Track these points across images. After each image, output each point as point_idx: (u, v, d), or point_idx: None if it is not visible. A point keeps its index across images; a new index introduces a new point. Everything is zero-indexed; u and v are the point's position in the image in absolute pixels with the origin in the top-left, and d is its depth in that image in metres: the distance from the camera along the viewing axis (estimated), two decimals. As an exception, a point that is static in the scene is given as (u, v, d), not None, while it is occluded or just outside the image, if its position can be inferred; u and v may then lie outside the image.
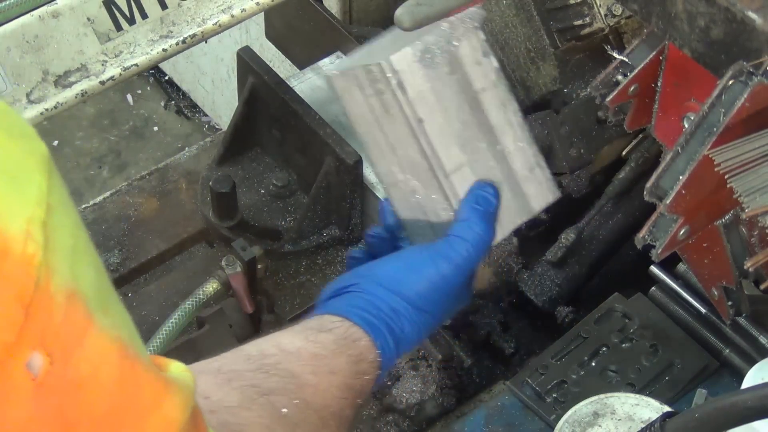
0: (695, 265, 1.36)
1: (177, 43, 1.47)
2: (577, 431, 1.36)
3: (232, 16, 1.50)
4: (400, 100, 1.17)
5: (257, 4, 1.52)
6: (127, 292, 1.82)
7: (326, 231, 1.79)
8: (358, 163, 1.68)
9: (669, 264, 1.56)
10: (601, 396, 1.39)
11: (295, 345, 1.11)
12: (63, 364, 0.66)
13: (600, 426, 1.36)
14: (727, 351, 1.58)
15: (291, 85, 1.81)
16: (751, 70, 1.11)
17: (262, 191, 1.85)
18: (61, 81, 1.41)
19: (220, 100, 3.29)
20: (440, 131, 1.18)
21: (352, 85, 1.19)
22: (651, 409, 1.38)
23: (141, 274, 1.86)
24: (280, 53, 2.09)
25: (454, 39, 1.19)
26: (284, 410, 1.03)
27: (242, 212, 1.77)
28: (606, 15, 1.71)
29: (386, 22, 1.45)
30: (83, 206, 1.91)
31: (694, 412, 1.09)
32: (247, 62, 1.83)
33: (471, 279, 1.23)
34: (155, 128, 3.53)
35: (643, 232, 1.20)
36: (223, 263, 1.65)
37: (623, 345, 1.59)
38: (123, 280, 1.83)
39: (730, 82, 1.12)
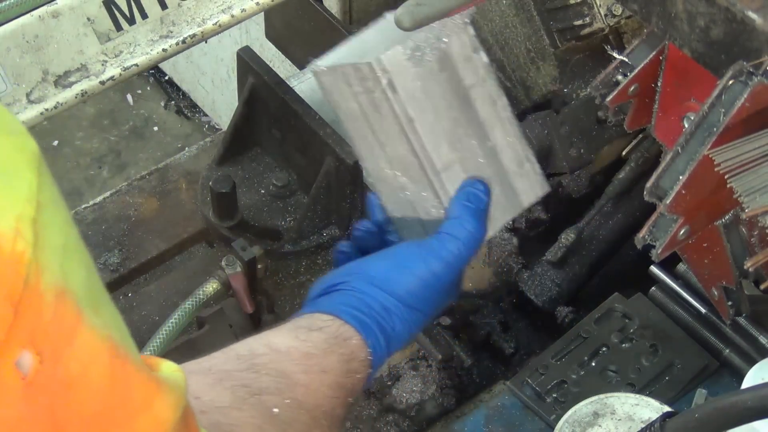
0: (695, 265, 1.36)
1: (177, 43, 1.47)
2: (577, 431, 1.36)
3: (232, 16, 1.50)
4: (391, 99, 1.16)
5: (257, 4, 1.52)
6: (127, 292, 1.82)
7: (326, 231, 1.79)
8: (358, 163, 1.68)
9: (669, 264, 1.56)
10: (601, 396, 1.39)
11: (285, 344, 1.10)
12: (53, 363, 0.65)
13: (600, 426, 1.36)
14: (727, 351, 1.58)
15: (291, 85, 1.81)
16: (751, 70, 1.11)
17: (262, 191, 1.85)
18: (61, 81, 1.41)
19: (220, 100, 3.29)
20: (431, 129, 1.18)
21: (339, 81, 1.19)
22: (651, 409, 1.38)
23: (141, 274, 1.86)
24: (280, 53, 2.09)
25: (443, 35, 1.19)
26: (275, 410, 1.02)
27: (242, 212, 1.77)
28: (606, 15, 1.71)
29: (386, 22, 1.45)
30: (83, 206, 1.91)
31: (694, 412, 1.09)
32: (247, 62, 1.83)
33: (462, 276, 1.22)
34: (155, 128, 3.53)
35: (643, 232, 1.20)
36: (223, 263, 1.65)
37: (623, 345, 1.59)
38: (123, 280, 1.83)
39: (730, 82, 1.12)
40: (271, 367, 1.07)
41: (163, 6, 1.46)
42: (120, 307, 1.77)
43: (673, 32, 1.20)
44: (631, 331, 1.60)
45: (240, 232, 1.75)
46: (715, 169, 1.12)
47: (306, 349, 1.10)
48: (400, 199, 1.22)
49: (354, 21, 2.16)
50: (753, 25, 1.11)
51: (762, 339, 1.56)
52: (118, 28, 1.44)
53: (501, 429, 1.53)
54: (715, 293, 1.43)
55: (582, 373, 1.56)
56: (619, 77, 1.29)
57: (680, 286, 1.62)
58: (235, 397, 1.01)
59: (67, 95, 1.41)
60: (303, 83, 1.87)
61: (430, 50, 1.18)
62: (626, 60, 1.29)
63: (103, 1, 1.42)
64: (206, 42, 1.56)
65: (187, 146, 2.15)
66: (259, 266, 1.66)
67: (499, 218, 1.23)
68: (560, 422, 1.38)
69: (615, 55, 1.31)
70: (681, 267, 1.62)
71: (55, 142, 3.46)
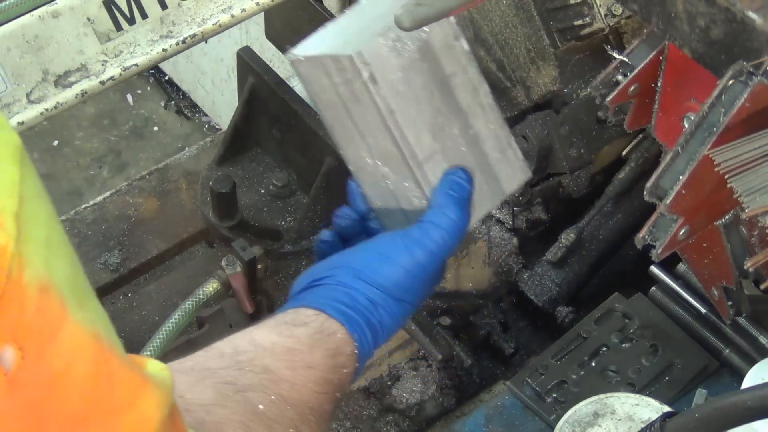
0: (695, 265, 1.36)
1: (177, 43, 1.47)
2: (577, 431, 1.36)
3: (232, 16, 1.50)
4: (372, 92, 1.15)
5: (257, 4, 1.52)
6: (127, 292, 1.82)
7: (326, 231, 1.79)
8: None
9: (669, 264, 1.56)
10: (601, 396, 1.39)
11: (269, 340, 1.09)
12: (36, 359, 0.65)
13: (600, 426, 1.36)
14: (727, 351, 1.58)
15: (291, 85, 1.81)
16: (751, 70, 1.11)
17: (262, 191, 1.85)
18: (61, 81, 1.41)
19: (220, 100, 3.29)
20: (412, 120, 1.17)
21: (318, 71, 1.18)
22: (651, 409, 1.38)
23: (141, 274, 1.86)
24: (280, 53, 2.09)
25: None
26: (261, 407, 1.01)
27: (242, 212, 1.77)
28: (606, 15, 1.71)
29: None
30: (83, 206, 1.91)
31: (694, 412, 1.09)
32: (247, 62, 1.83)
33: (445, 264, 1.21)
34: (155, 128, 3.53)
35: (643, 232, 1.20)
36: (223, 263, 1.65)
37: (623, 345, 1.59)
38: (123, 280, 1.83)
39: (730, 82, 1.12)
40: (255, 364, 1.05)
41: (163, 6, 1.46)
42: (120, 307, 1.79)
43: (673, 32, 1.20)
44: (631, 331, 1.60)
45: (240, 232, 1.75)
46: (715, 169, 1.12)
47: (290, 344, 1.09)
48: (381, 189, 1.21)
49: (354, 21, 2.15)
50: (753, 25, 1.11)
51: (762, 339, 1.56)
52: (118, 28, 1.44)
53: (501, 429, 1.53)
54: (715, 293, 1.43)
55: (582, 373, 1.56)
56: (619, 77, 1.29)
57: (680, 286, 1.62)
58: (219, 395, 1.00)
59: (67, 95, 1.41)
60: (303, 83, 1.87)
61: (410, 40, 1.17)
62: (626, 60, 1.29)
63: (103, 1, 1.42)
64: (206, 42, 1.56)
65: (187, 146, 2.15)
66: (259, 266, 1.66)
67: (482, 206, 1.22)
68: (560, 422, 1.38)
69: (615, 55, 1.31)
70: (681, 267, 1.62)
71: (55, 142, 3.46)
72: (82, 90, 1.42)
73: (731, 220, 1.28)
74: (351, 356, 1.12)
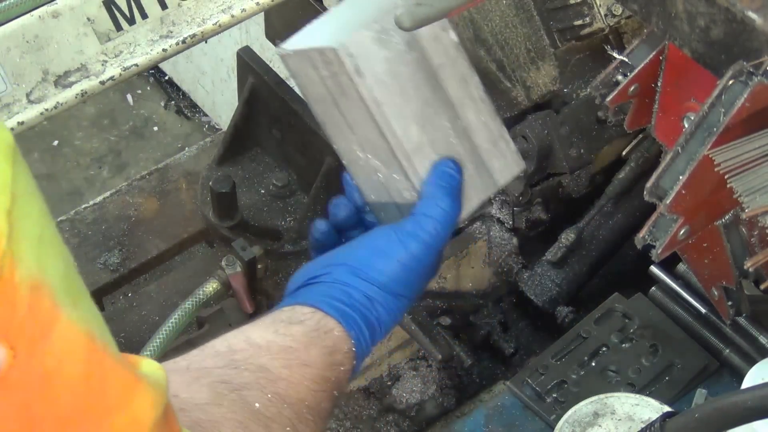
0: (695, 265, 1.36)
1: (177, 43, 1.47)
2: (577, 431, 1.36)
3: (232, 16, 1.50)
4: (357, 83, 1.15)
5: (257, 4, 1.52)
6: (127, 292, 1.82)
7: (326, 231, 1.79)
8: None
9: (669, 264, 1.56)
10: (601, 396, 1.39)
11: (265, 338, 1.08)
12: (27, 358, 0.64)
13: (600, 426, 1.36)
14: (727, 351, 1.58)
15: (291, 85, 1.81)
16: (751, 70, 1.11)
17: (262, 191, 1.85)
18: (61, 81, 1.41)
19: (220, 100, 3.29)
20: (399, 112, 1.17)
21: (305, 65, 1.17)
22: (651, 409, 1.38)
23: (141, 274, 1.86)
24: (280, 53, 2.08)
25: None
26: (257, 405, 1.00)
27: (242, 212, 1.77)
28: (606, 15, 1.71)
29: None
30: (83, 206, 1.91)
31: (694, 412, 1.09)
32: (247, 62, 1.83)
33: (441, 256, 1.21)
34: (155, 128, 3.53)
35: (643, 232, 1.20)
36: (223, 263, 1.65)
37: (623, 345, 1.59)
38: (123, 280, 1.83)
39: (730, 82, 1.12)
40: (251, 362, 1.05)
41: (163, 6, 1.46)
42: (120, 307, 1.79)
43: (673, 32, 1.20)
44: (631, 331, 1.60)
45: (240, 232, 1.75)
46: (715, 169, 1.12)
47: (286, 342, 1.08)
48: (374, 183, 1.21)
49: (354, 21, 2.15)
50: (753, 25, 1.11)
51: (762, 339, 1.56)
52: (118, 28, 1.44)
53: (501, 429, 1.53)
54: (715, 293, 1.43)
55: (582, 373, 1.56)
56: (619, 77, 1.29)
57: (680, 286, 1.62)
58: (215, 394, 0.99)
59: (67, 95, 1.41)
60: (303, 83, 1.87)
61: (396, 32, 1.17)
62: (626, 60, 1.29)
63: (103, 1, 1.42)
64: (206, 42, 1.56)
65: (187, 146, 2.15)
66: (259, 266, 1.66)
67: (474, 198, 1.21)
68: (560, 422, 1.38)
69: (615, 55, 1.31)
70: (681, 267, 1.62)
71: (55, 142, 3.46)
72: (82, 90, 1.42)
73: (731, 220, 1.28)
74: (348, 354, 1.12)
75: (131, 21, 1.44)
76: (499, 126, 1.24)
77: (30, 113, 1.39)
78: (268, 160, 1.88)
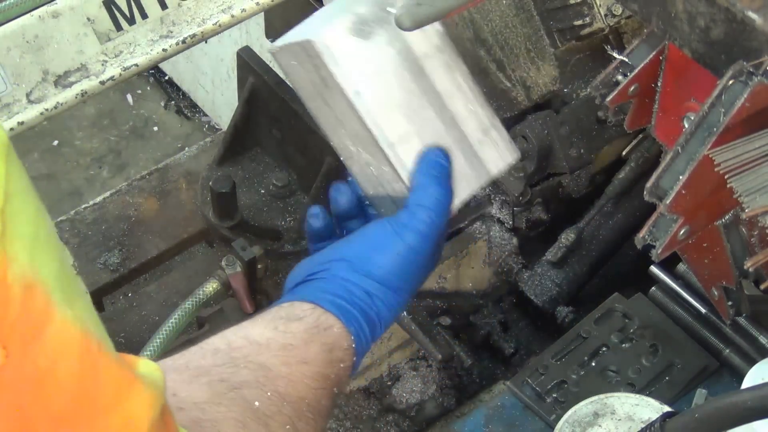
0: (695, 265, 1.36)
1: (177, 43, 1.47)
2: (577, 431, 1.36)
3: (232, 16, 1.50)
4: (335, 74, 1.15)
5: (257, 4, 1.52)
6: (127, 292, 1.82)
7: (326, 231, 1.79)
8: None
9: (669, 264, 1.56)
10: (601, 396, 1.39)
11: (264, 336, 1.07)
12: (20, 357, 0.64)
13: (600, 426, 1.36)
14: (727, 351, 1.58)
15: (291, 85, 1.81)
16: (751, 70, 1.11)
17: (262, 191, 1.85)
18: (61, 81, 1.41)
19: (220, 100, 3.29)
20: (381, 102, 1.17)
21: (292, 60, 1.18)
22: (651, 409, 1.38)
23: (141, 274, 1.86)
24: (280, 53, 2.08)
25: (388, 5, 1.18)
26: (256, 403, 1.00)
27: (242, 212, 1.77)
28: (606, 15, 1.71)
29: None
30: (83, 206, 1.91)
31: (694, 412, 1.09)
32: (247, 62, 1.83)
33: (439, 246, 1.20)
34: (155, 128, 3.53)
35: (643, 232, 1.20)
36: (223, 263, 1.65)
37: (623, 345, 1.59)
38: (123, 280, 1.83)
39: (730, 82, 1.12)
40: (250, 360, 1.04)
41: (163, 6, 1.46)
42: (120, 307, 1.79)
43: (673, 32, 1.19)
44: (631, 331, 1.60)
45: (240, 232, 1.75)
46: (715, 169, 1.12)
47: (286, 340, 1.08)
48: (368, 176, 1.21)
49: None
50: (753, 25, 1.11)
51: (762, 339, 1.56)
52: (118, 28, 1.44)
53: (501, 429, 1.53)
54: (715, 293, 1.43)
55: (582, 373, 1.56)
56: (619, 77, 1.29)
57: (680, 286, 1.62)
58: (214, 392, 0.99)
59: (67, 95, 1.41)
60: (303, 83, 1.87)
61: (375, 22, 1.17)
62: (626, 60, 1.29)
63: (103, 1, 1.42)
64: (206, 42, 1.56)
65: (187, 146, 2.15)
66: (259, 266, 1.66)
67: (467, 186, 1.21)
68: (560, 422, 1.38)
69: (615, 55, 1.31)
70: (681, 267, 1.62)
71: (55, 142, 3.46)
72: (82, 90, 1.42)
73: (731, 220, 1.28)
74: (348, 351, 1.11)
75: (131, 21, 1.44)
76: (490, 115, 1.23)
77: (30, 113, 1.39)
78: (268, 160, 1.88)
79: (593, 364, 1.57)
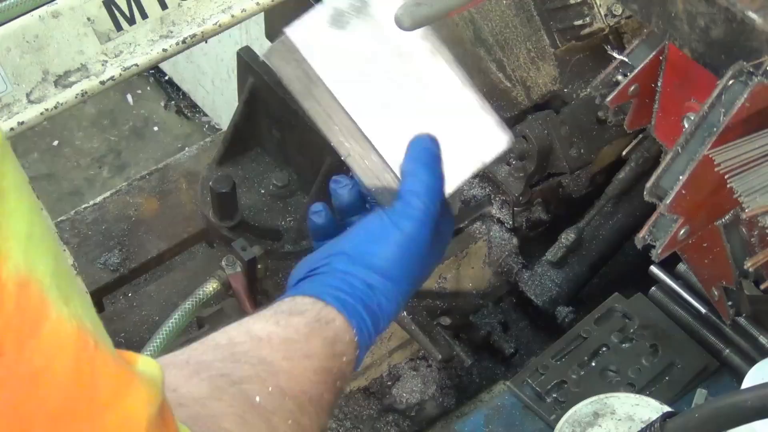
0: (695, 265, 1.36)
1: (177, 43, 1.47)
2: (577, 431, 1.36)
3: (232, 16, 1.50)
4: (314, 66, 1.16)
5: (257, 4, 1.52)
6: (127, 292, 1.82)
7: (326, 231, 1.79)
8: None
9: (669, 264, 1.56)
10: (601, 396, 1.39)
11: (265, 331, 1.07)
12: (15, 356, 0.64)
13: (600, 426, 1.36)
14: (727, 351, 1.58)
15: (291, 86, 1.81)
16: (751, 70, 1.11)
17: (262, 191, 1.85)
18: (61, 81, 1.41)
19: (220, 100, 3.29)
20: (363, 91, 1.17)
21: (281, 60, 1.18)
22: (651, 409, 1.38)
23: (141, 274, 1.86)
24: (280, 53, 2.08)
25: None
26: (257, 398, 0.99)
27: (242, 212, 1.77)
28: (606, 15, 1.71)
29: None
30: (83, 206, 1.91)
31: (694, 412, 1.09)
32: (247, 62, 1.83)
33: (442, 236, 1.20)
34: (155, 128, 3.53)
35: (643, 232, 1.20)
36: (223, 263, 1.65)
37: (623, 345, 1.59)
38: (123, 280, 1.83)
39: (730, 82, 1.12)
40: (252, 355, 1.04)
41: (163, 6, 1.46)
42: (120, 307, 1.79)
43: (673, 32, 1.20)
44: (631, 331, 1.60)
45: (240, 232, 1.75)
46: (715, 169, 1.12)
47: (287, 334, 1.07)
48: (364, 170, 1.20)
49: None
50: (753, 25, 1.11)
51: (762, 339, 1.56)
52: (118, 28, 1.44)
53: (501, 429, 1.53)
54: (715, 293, 1.43)
55: (582, 373, 1.56)
56: (619, 77, 1.29)
57: (680, 286, 1.62)
58: (214, 388, 0.98)
59: (67, 95, 1.41)
60: (303, 83, 1.87)
61: (352, 12, 1.17)
62: (626, 60, 1.29)
63: (103, 1, 1.42)
64: (206, 42, 1.56)
65: (187, 146, 2.15)
66: (259, 266, 1.66)
67: (459, 171, 1.20)
68: (560, 422, 1.38)
69: (615, 55, 1.31)
70: (681, 267, 1.62)
71: (55, 142, 3.46)
72: (82, 90, 1.42)
73: (731, 220, 1.28)
74: (350, 344, 1.11)
75: (131, 21, 1.44)
76: (480, 100, 1.22)
77: (30, 113, 1.39)
78: (268, 160, 1.88)
79: (593, 364, 1.57)
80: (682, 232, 1.19)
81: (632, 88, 1.28)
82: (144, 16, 1.45)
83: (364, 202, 1.23)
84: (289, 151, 1.84)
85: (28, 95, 1.39)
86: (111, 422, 0.69)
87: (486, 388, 1.66)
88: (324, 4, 1.18)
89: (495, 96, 1.89)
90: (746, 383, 1.31)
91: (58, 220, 1.87)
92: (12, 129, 1.38)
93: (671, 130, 1.29)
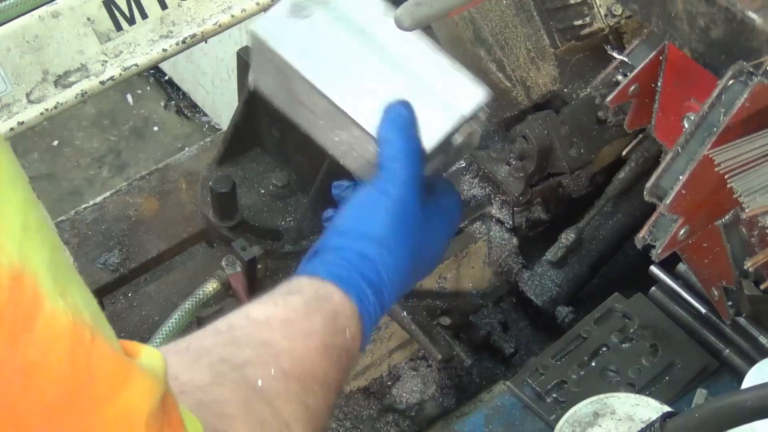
0: (695, 265, 1.36)
1: (177, 43, 1.47)
2: (577, 431, 1.36)
3: (232, 16, 1.50)
4: (283, 56, 1.18)
5: (257, 4, 1.52)
6: (127, 292, 1.82)
7: (326, 231, 1.79)
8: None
9: (669, 264, 1.56)
10: (601, 396, 1.39)
11: (264, 313, 1.06)
12: (9, 350, 0.63)
13: (600, 426, 1.36)
14: (727, 351, 1.58)
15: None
16: (751, 70, 1.11)
17: (262, 191, 1.85)
18: (61, 81, 1.41)
19: (220, 100, 3.29)
20: (334, 72, 1.19)
21: (258, 70, 1.21)
22: (651, 409, 1.38)
23: (141, 274, 1.86)
24: (280, 53, 2.08)
25: None
26: (260, 382, 0.98)
27: (242, 212, 1.77)
28: (606, 15, 1.71)
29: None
30: (83, 206, 1.91)
31: (694, 412, 1.09)
32: (247, 62, 1.82)
33: (445, 210, 1.20)
34: (155, 128, 3.53)
35: (643, 232, 1.20)
36: (223, 263, 1.65)
37: (623, 345, 1.59)
38: (123, 280, 1.83)
39: (730, 82, 1.12)
40: (252, 338, 1.03)
41: (163, 6, 1.46)
42: (120, 307, 1.79)
43: (673, 32, 1.20)
44: (631, 331, 1.60)
45: (240, 232, 1.75)
46: (715, 169, 1.12)
47: (286, 314, 1.06)
48: (354, 157, 1.22)
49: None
50: (753, 25, 1.11)
51: (762, 339, 1.56)
52: (118, 28, 1.44)
53: (501, 429, 1.53)
54: (715, 293, 1.43)
55: (582, 373, 1.56)
56: (619, 77, 1.29)
57: (680, 286, 1.62)
58: (216, 373, 0.97)
59: (67, 95, 1.41)
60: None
61: (311, 2, 1.20)
62: (626, 60, 1.29)
63: (103, 1, 1.42)
64: (206, 42, 1.56)
65: (187, 146, 2.15)
66: (259, 266, 1.66)
67: (435, 129, 1.21)
68: (560, 422, 1.38)
69: (615, 55, 1.31)
70: (681, 267, 1.62)
71: (55, 142, 3.46)
72: (82, 90, 1.42)
73: (731, 220, 1.28)
74: (353, 317, 1.09)
75: (131, 21, 1.44)
76: (450, 62, 1.24)
77: (30, 113, 1.39)
78: (268, 160, 1.88)
79: (593, 364, 1.57)
80: (682, 232, 1.19)
81: (632, 88, 1.29)
82: (144, 16, 1.45)
83: None
84: (289, 151, 1.84)
85: (28, 95, 1.39)
86: (109, 416, 0.68)
87: (486, 388, 1.66)
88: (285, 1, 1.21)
89: (495, 96, 1.89)
90: (746, 383, 1.31)
91: (58, 220, 1.87)
92: (12, 129, 1.38)
93: (671, 130, 1.29)
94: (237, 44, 2.11)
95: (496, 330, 1.84)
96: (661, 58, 1.26)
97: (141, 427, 0.70)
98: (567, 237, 1.83)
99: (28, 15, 1.38)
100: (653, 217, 1.19)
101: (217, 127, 3.42)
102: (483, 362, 1.83)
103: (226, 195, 1.72)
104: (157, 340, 1.56)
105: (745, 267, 1.33)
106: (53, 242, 0.68)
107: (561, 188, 1.85)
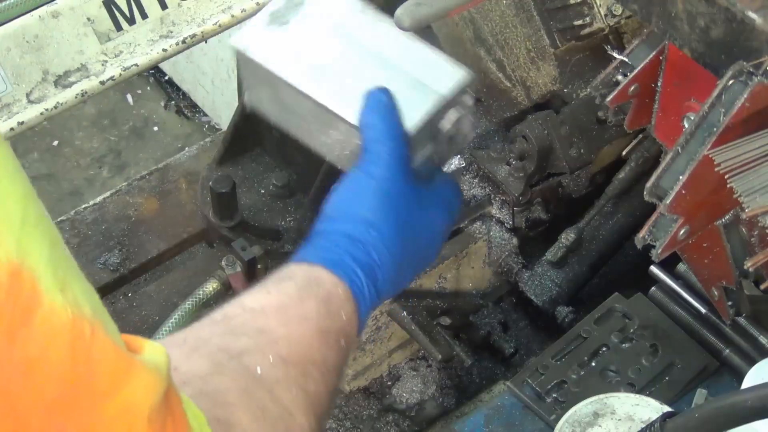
0: (695, 265, 1.36)
1: (177, 43, 1.47)
2: (577, 431, 1.36)
3: (232, 16, 1.50)
4: (265, 65, 1.19)
5: (257, 4, 1.52)
6: (127, 292, 1.82)
7: (326, 231, 1.79)
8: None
9: (669, 264, 1.56)
10: (601, 396, 1.39)
11: (259, 302, 1.06)
12: (8, 346, 0.63)
13: (600, 426, 1.36)
14: (727, 351, 1.58)
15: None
16: (751, 70, 1.11)
17: (262, 191, 1.85)
18: (61, 81, 1.41)
19: (220, 100, 3.29)
20: (318, 74, 1.20)
21: (250, 88, 1.23)
22: (651, 409, 1.37)
23: (141, 274, 1.86)
24: (280, 53, 2.08)
25: None
26: (258, 370, 0.98)
27: (242, 212, 1.77)
28: (606, 15, 1.71)
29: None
30: (83, 206, 1.91)
31: (694, 412, 1.09)
32: (247, 62, 1.82)
33: (444, 199, 1.20)
34: (155, 128, 3.53)
35: (643, 232, 1.20)
36: (223, 263, 1.65)
37: (623, 345, 1.59)
38: (123, 280, 1.83)
39: (730, 82, 1.12)
40: (249, 327, 1.03)
41: (163, 6, 1.46)
42: (120, 307, 1.79)
43: (673, 32, 1.20)
44: (631, 331, 1.60)
45: (240, 232, 1.75)
46: (715, 169, 1.12)
47: (280, 301, 1.06)
48: (348, 157, 1.22)
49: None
50: (753, 25, 1.11)
51: (762, 339, 1.56)
52: (118, 28, 1.44)
53: (501, 429, 1.53)
54: (715, 293, 1.43)
55: (582, 373, 1.56)
56: (619, 77, 1.30)
57: (680, 286, 1.62)
58: (215, 363, 0.97)
59: (67, 95, 1.41)
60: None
61: (287, 11, 1.22)
62: (626, 60, 1.29)
63: (103, 1, 1.42)
64: (206, 42, 1.56)
65: (187, 146, 2.15)
66: (259, 266, 1.66)
67: (417, 109, 1.21)
68: (560, 422, 1.38)
69: (615, 55, 1.31)
70: (681, 267, 1.62)
71: (55, 142, 3.46)
72: (82, 90, 1.42)
73: (731, 220, 1.28)
74: (346, 299, 1.09)
75: (131, 21, 1.45)
76: (426, 47, 1.24)
77: (30, 113, 1.39)
78: (268, 160, 1.88)
79: (593, 364, 1.57)
80: (682, 232, 1.19)
81: (632, 88, 1.29)
82: (144, 16, 1.45)
83: None
84: (289, 151, 1.84)
85: (28, 95, 1.39)
86: (110, 411, 0.68)
87: (486, 388, 1.66)
88: (262, 10, 1.22)
89: (495, 96, 1.89)
90: (746, 383, 1.31)
91: (58, 220, 1.87)
92: (12, 129, 1.38)
93: (671, 130, 1.29)
94: (237, 44, 2.11)
95: (496, 330, 1.84)
96: (661, 58, 1.26)
97: (143, 422, 0.70)
98: (567, 237, 1.83)
99: (28, 15, 1.38)
100: (653, 217, 1.19)
101: (217, 127, 3.42)
102: (483, 362, 1.83)
103: (226, 195, 1.72)
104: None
105: (745, 267, 1.33)
106: (53, 237, 0.67)
107: (561, 188, 1.85)
